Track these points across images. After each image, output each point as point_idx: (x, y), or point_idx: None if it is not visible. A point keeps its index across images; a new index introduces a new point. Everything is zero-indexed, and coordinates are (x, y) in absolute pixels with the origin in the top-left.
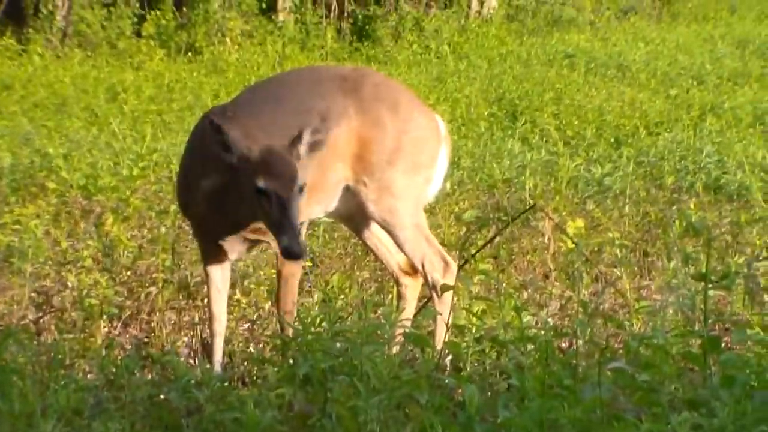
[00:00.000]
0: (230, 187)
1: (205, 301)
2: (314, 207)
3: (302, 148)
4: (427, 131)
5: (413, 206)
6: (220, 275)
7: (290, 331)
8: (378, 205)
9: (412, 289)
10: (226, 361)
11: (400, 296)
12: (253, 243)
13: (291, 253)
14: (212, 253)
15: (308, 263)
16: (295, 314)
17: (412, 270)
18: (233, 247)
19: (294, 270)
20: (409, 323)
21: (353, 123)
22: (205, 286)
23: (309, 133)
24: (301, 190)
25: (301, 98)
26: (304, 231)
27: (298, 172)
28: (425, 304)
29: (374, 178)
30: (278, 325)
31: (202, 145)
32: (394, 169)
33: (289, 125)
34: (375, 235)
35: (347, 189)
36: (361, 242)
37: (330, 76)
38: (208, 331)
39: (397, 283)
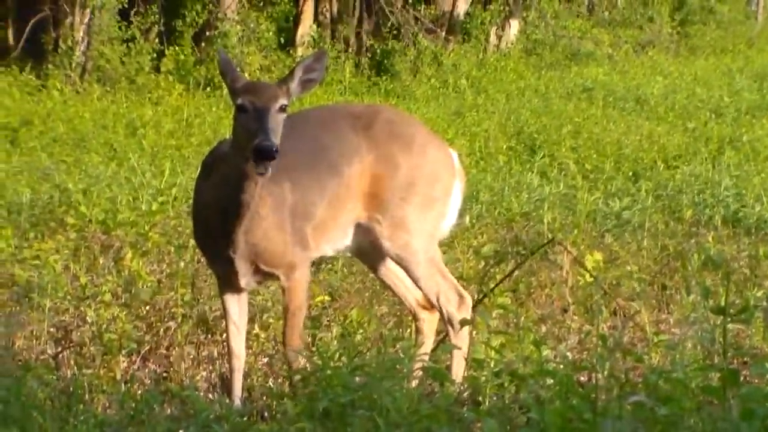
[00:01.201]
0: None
1: (224, 335)
2: (324, 246)
3: (293, 84)
4: (441, 166)
5: (427, 241)
6: (236, 309)
7: (299, 363)
8: (392, 241)
9: (429, 323)
10: (246, 396)
11: (418, 331)
12: (264, 274)
13: (262, 148)
14: (225, 281)
15: (326, 297)
16: (302, 350)
17: (429, 305)
18: (242, 271)
19: (300, 303)
20: (427, 357)
21: (366, 161)
22: (223, 321)
23: (302, 69)
24: (282, 110)
25: (314, 136)
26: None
27: (279, 94)
28: (443, 339)
29: (387, 215)
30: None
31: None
32: (408, 205)
33: (303, 163)
34: (391, 270)
35: (359, 226)
36: (377, 278)
37: (343, 115)
38: (227, 365)
39: (415, 317)
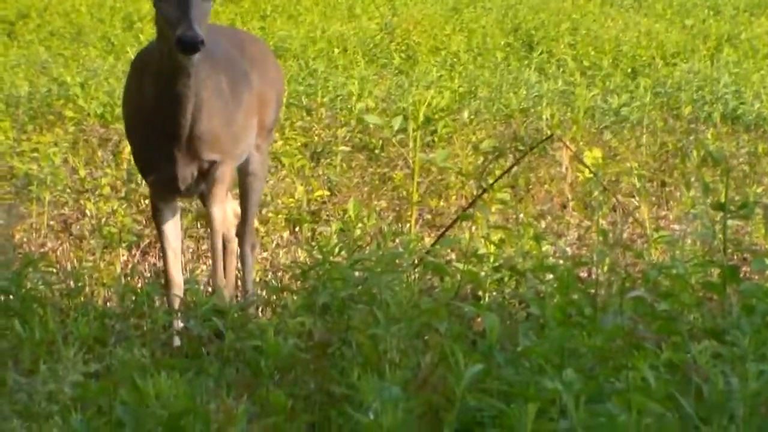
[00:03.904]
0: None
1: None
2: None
3: None
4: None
5: None
6: (173, 230)
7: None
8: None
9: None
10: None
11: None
12: (202, 173)
13: (186, 39)
14: (162, 192)
15: (326, 192)
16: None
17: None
18: (183, 172)
19: (231, 235)
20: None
21: (255, 86)
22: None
23: None
24: None
25: (226, 47)
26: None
27: None
28: (444, 233)
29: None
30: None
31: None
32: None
33: (226, 66)
34: None
35: None
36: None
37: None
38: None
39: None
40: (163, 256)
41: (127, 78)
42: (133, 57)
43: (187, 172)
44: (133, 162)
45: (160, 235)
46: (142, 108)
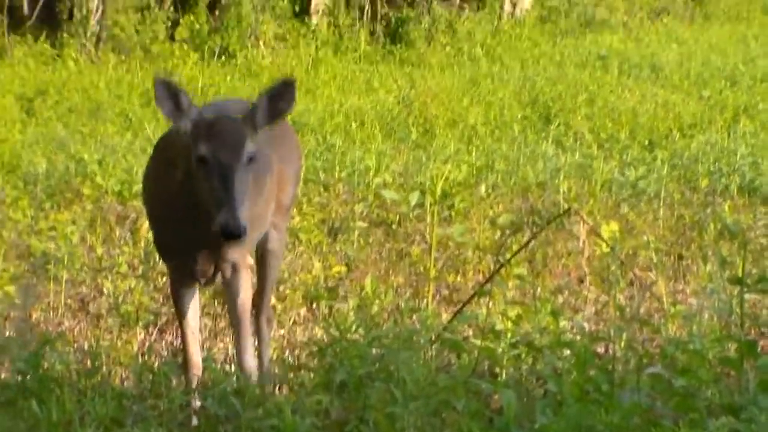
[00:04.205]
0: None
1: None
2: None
3: (259, 118)
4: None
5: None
6: (193, 313)
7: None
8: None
9: None
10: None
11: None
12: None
13: (227, 231)
14: (184, 278)
15: (343, 268)
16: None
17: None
18: (203, 267)
19: (245, 301)
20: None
21: (275, 165)
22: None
23: (266, 100)
24: (251, 161)
25: None
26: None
27: (247, 140)
28: (460, 310)
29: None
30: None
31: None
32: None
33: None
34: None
35: None
36: None
37: None
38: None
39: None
40: (182, 335)
41: (151, 161)
42: (156, 140)
43: (207, 268)
44: (149, 239)
45: (178, 315)
46: (168, 201)
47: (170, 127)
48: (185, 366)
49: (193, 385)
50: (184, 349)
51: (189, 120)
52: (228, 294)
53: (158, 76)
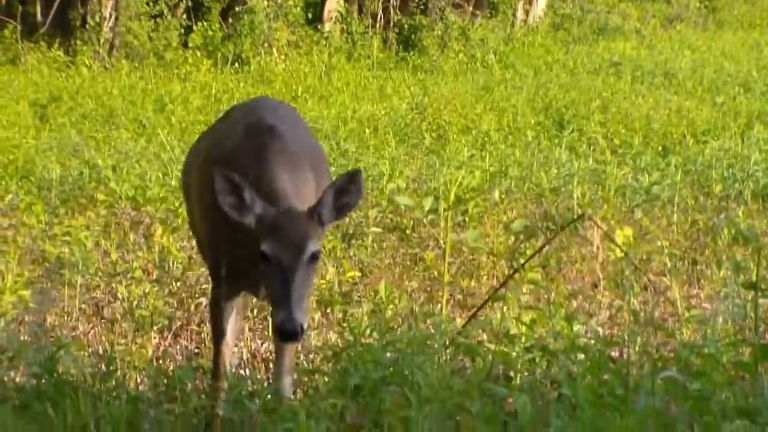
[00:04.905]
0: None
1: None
2: None
3: (326, 213)
4: None
5: None
6: (231, 326)
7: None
8: None
9: None
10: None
11: None
12: None
13: (284, 332)
14: (233, 301)
15: (357, 273)
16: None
17: None
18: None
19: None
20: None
21: None
22: (212, 339)
23: (332, 193)
24: (314, 259)
25: None
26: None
27: (310, 239)
28: (474, 314)
29: None
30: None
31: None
32: None
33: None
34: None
35: None
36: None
37: None
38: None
39: None
40: (216, 352)
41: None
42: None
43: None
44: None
45: (216, 333)
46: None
47: None
48: (216, 378)
49: (222, 398)
50: (215, 363)
51: (253, 215)
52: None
53: (218, 170)
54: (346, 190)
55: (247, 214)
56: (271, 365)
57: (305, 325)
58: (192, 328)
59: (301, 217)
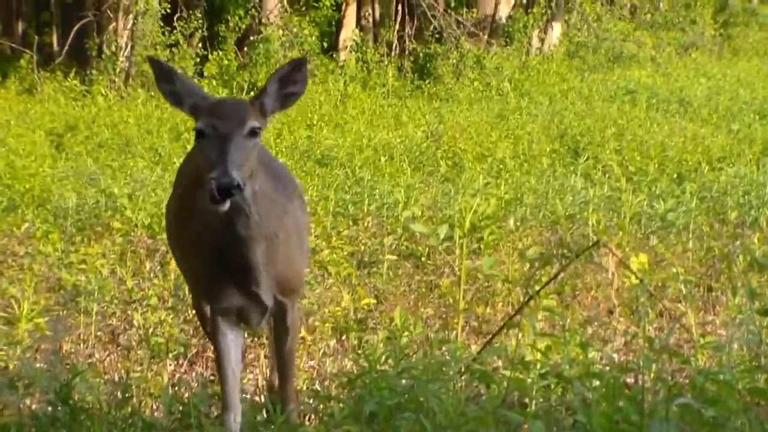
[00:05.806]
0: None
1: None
2: None
3: (268, 100)
4: None
5: None
6: (232, 346)
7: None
8: None
9: None
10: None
11: None
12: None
13: (219, 182)
14: (227, 321)
15: (372, 300)
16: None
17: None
18: (261, 308)
19: (294, 344)
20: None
21: None
22: (216, 365)
23: (276, 80)
24: (253, 134)
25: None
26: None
27: (250, 116)
28: (489, 341)
29: None
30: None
31: None
32: None
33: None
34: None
35: None
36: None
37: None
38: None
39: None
40: (221, 376)
41: (177, 197)
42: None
43: (264, 313)
44: (179, 272)
45: (218, 354)
46: (202, 240)
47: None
48: (224, 408)
49: (231, 429)
50: (222, 389)
51: (190, 99)
52: (276, 334)
53: (152, 59)
54: (291, 79)
55: (183, 99)
56: None
57: (244, 184)
58: (207, 356)
59: (240, 102)
